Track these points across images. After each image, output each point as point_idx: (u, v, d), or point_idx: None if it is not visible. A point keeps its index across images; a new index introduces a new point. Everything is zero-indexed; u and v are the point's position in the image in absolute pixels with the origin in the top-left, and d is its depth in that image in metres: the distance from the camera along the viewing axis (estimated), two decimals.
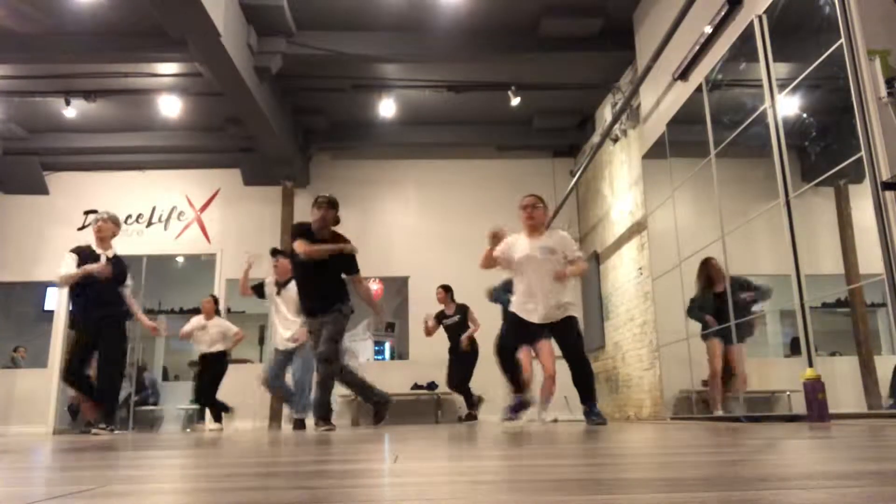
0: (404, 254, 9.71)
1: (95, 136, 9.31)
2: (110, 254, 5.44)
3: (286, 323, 6.22)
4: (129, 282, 5.56)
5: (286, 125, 8.68)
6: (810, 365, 4.03)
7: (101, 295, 5.26)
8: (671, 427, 3.89)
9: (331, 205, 5.04)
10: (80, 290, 5.25)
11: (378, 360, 11.05)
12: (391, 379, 9.13)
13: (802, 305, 4.15)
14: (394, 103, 8.56)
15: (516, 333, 4.53)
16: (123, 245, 9.76)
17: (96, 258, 5.32)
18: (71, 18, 6.86)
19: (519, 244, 4.55)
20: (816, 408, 3.80)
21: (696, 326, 5.72)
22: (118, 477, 1.24)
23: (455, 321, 7.40)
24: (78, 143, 9.32)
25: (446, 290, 7.52)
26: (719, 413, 5.23)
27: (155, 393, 10.54)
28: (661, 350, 6.64)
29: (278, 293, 6.31)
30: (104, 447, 2.66)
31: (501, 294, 5.91)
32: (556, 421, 6.58)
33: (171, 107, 8.32)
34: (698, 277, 5.58)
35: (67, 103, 8.22)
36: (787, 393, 4.67)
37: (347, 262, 5.06)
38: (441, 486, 0.97)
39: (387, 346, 11.45)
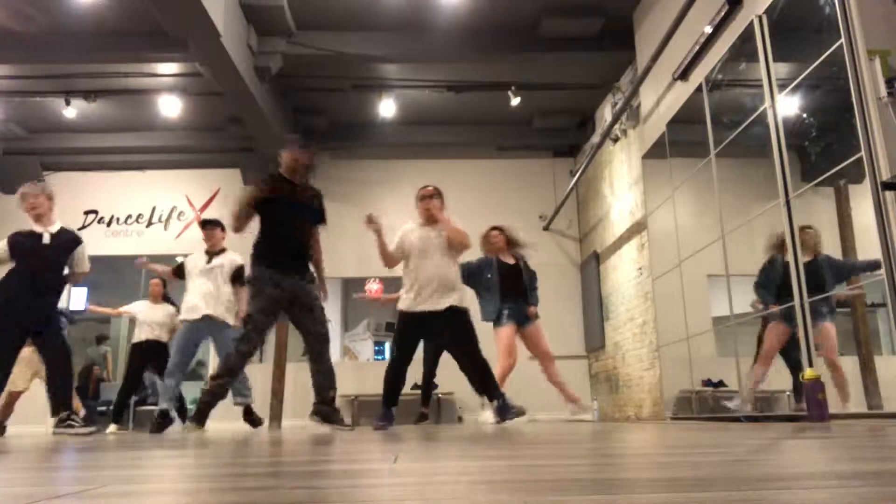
0: None
1: (95, 136, 9.32)
2: (53, 229, 4.95)
3: (218, 294, 5.77)
4: (81, 263, 5.05)
5: (286, 125, 8.68)
6: (810, 365, 4.03)
7: (37, 281, 4.76)
8: (671, 427, 3.89)
9: (307, 147, 4.50)
10: (13, 273, 4.75)
11: (378, 359, 11.06)
12: None
13: (802, 305, 4.15)
14: (394, 103, 8.56)
15: (409, 336, 4.52)
16: (124, 245, 9.87)
17: (38, 238, 4.85)
18: (71, 18, 6.87)
19: (414, 233, 4.60)
20: (816, 408, 3.80)
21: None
22: (118, 477, 1.24)
23: None
24: (78, 143, 9.33)
25: None
26: (745, 408, 4.77)
27: (154, 393, 10.52)
28: (661, 350, 6.64)
29: (209, 262, 5.88)
30: (104, 447, 2.66)
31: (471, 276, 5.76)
32: (582, 420, 6.30)
33: (171, 107, 8.33)
34: (772, 244, 4.59)
35: (67, 103, 8.23)
36: (787, 393, 4.67)
37: (321, 210, 4.48)
38: (441, 486, 0.97)
39: (387, 346, 11.45)
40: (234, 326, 6.21)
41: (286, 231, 4.25)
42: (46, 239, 4.86)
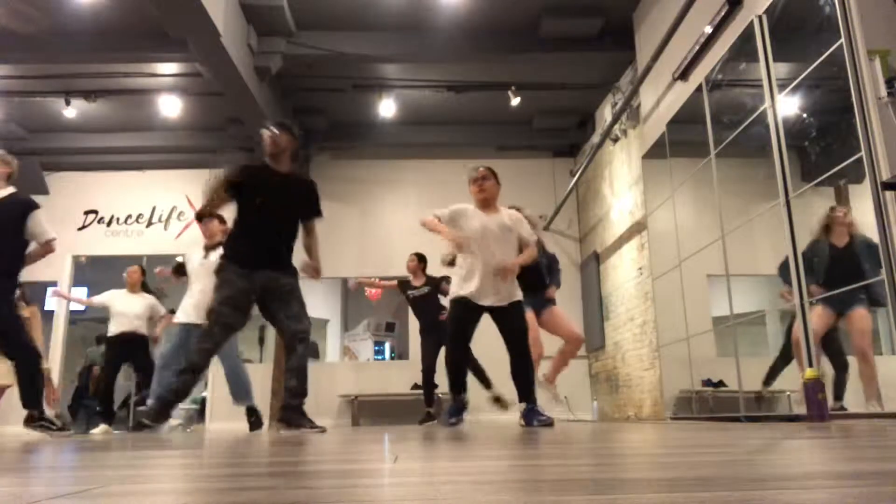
0: (404, 254, 9.66)
1: (95, 136, 9.32)
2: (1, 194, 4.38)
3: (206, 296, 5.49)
4: (37, 232, 4.38)
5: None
6: (810, 365, 4.03)
7: None
8: (671, 427, 3.89)
9: (283, 127, 4.09)
10: None
11: (378, 359, 11.06)
12: (391, 379, 9.14)
13: (802, 305, 4.15)
14: (394, 103, 8.56)
15: (466, 322, 4.24)
16: (124, 245, 9.87)
17: None
18: (71, 18, 6.87)
19: (472, 216, 4.31)
20: (816, 408, 3.80)
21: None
22: (118, 477, 1.24)
23: (423, 293, 6.87)
24: (78, 143, 9.33)
25: (420, 259, 7.05)
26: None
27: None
28: (661, 350, 6.64)
29: (205, 257, 5.61)
30: (104, 447, 2.66)
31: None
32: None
33: (171, 107, 8.33)
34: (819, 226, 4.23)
35: (67, 103, 8.23)
36: (787, 393, 4.67)
37: (313, 202, 4.14)
38: (441, 486, 0.97)
39: (387, 346, 11.47)
40: None
41: (265, 226, 3.95)
42: None
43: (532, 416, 4.13)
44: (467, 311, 4.25)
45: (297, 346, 3.93)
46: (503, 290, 4.24)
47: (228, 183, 3.95)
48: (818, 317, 4.16)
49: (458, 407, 4.39)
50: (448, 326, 4.37)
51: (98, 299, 6.55)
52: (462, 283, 4.27)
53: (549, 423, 4.08)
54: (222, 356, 5.45)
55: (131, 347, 6.30)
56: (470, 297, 4.22)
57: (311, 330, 4.15)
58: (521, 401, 4.22)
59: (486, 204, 4.37)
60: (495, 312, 4.27)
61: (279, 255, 4.00)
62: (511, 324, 4.25)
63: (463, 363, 4.38)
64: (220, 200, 4.04)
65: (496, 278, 4.20)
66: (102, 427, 6.31)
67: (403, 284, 7.14)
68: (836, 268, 4.11)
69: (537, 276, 5.41)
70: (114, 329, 6.36)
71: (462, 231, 4.27)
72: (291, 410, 3.95)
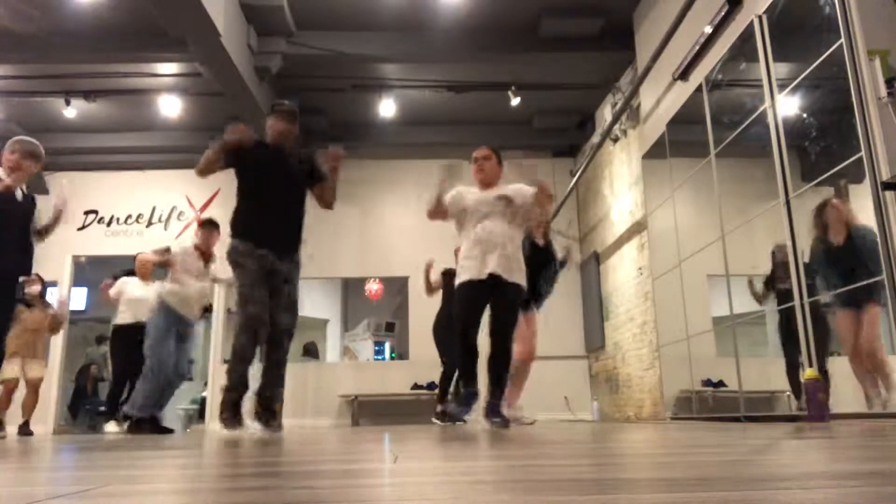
0: (404, 254, 9.71)
1: (95, 136, 9.32)
2: (24, 188, 4.61)
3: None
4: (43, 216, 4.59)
5: None
6: (810, 365, 4.03)
7: (16, 240, 4.35)
8: (671, 427, 3.88)
9: (293, 116, 4.13)
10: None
11: (378, 359, 11.05)
12: (391, 379, 9.14)
13: (802, 305, 4.15)
14: (394, 103, 8.56)
15: (472, 306, 3.99)
16: (124, 245, 9.86)
17: (10, 194, 4.34)
18: (71, 18, 6.87)
19: (467, 195, 4.25)
20: (816, 408, 3.80)
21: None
22: (118, 477, 1.24)
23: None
24: (78, 143, 9.32)
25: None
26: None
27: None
28: (661, 350, 6.64)
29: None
30: (104, 447, 2.66)
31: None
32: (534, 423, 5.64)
33: (171, 107, 8.32)
34: (814, 227, 4.13)
35: (67, 103, 8.22)
36: (787, 393, 4.67)
37: (314, 168, 4.13)
38: (441, 486, 0.97)
39: (387, 346, 11.46)
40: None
41: (282, 206, 3.92)
42: (19, 195, 4.50)
43: (494, 414, 3.94)
44: (470, 296, 4.03)
45: (284, 340, 3.90)
46: (503, 259, 3.99)
47: (243, 147, 3.97)
48: (846, 320, 3.90)
49: (469, 397, 4.02)
50: (455, 312, 4.11)
51: (114, 291, 6.37)
52: (462, 264, 4.11)
53: (504, 426, 3.88)
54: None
55: (141, 338, 5.99)
56: (468, 278, 4.01)
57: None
58: (490, 395, 3.98)
59: (486, 185, 4.30)
60: (496, 286, 3.99)
61: (292, 237, 3.97)
62: (499, 305, 4.00)
63: (465, 352, 4.02)
64: (217, 163, 4.06)
65: (497, 246, 4.00)
66: (111, 426, 6.19)
67: (449, 272, 6.46)
68: (837, 266, 3.98)
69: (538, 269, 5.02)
70: (128, 318, 6.22)
71: (462, 208, 4.19)
72: (263, 406, 3.84)
